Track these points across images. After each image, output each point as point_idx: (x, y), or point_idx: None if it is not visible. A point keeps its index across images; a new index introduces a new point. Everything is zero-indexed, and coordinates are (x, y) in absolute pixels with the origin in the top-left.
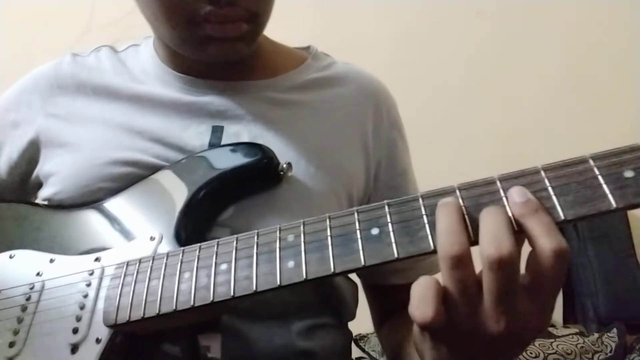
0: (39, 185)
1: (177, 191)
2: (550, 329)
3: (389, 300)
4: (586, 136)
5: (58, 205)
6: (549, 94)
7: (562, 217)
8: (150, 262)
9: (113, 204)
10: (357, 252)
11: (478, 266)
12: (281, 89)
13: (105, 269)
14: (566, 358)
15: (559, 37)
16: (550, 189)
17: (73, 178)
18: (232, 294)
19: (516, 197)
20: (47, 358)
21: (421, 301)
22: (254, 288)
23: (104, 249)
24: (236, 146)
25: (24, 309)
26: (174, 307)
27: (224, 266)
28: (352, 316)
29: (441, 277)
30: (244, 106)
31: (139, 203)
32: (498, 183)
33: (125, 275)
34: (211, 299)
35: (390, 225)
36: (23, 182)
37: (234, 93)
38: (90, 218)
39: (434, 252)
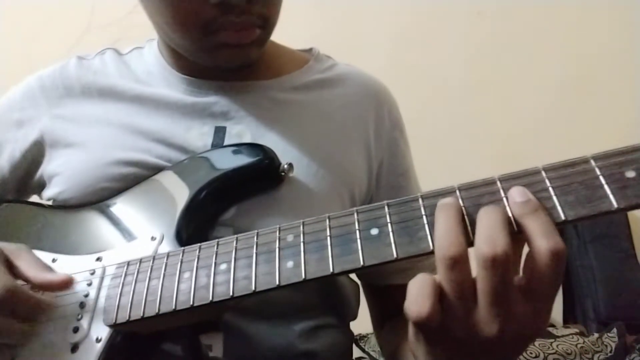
0: (42, 185)
1: (178, 191)
2: (550, 329)
3: (388, 301)
4: (586, 136)
5: (61, 205)
6: (549, 94)
7: (563, 217)
8: (151, 261)
9: (115, 204)
10: (356, 252)
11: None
12: (284, 90)
13: (106, 268)
14: (566, 358)
15: (559, 37)
16: (551, 189)
17: (77, 178)
18: (231, 293)
19: (517, 197)
20: (47, 357)
21: (417, 297)
22: (253, 288)
23: (105, 248)
24: (238, 147)
25: None
26: (173, 307)
27: (223, 266)
28: (354, 316)
29: (438, 278)
30: (246, 107)
31: (140, 203)
32: (498, 183)
33: (126, 274)
34: (210, 298)
35: (389, 225)
36: (24, 182)
37: (237, 93)
38: (93, 218)
39: (433, 252)
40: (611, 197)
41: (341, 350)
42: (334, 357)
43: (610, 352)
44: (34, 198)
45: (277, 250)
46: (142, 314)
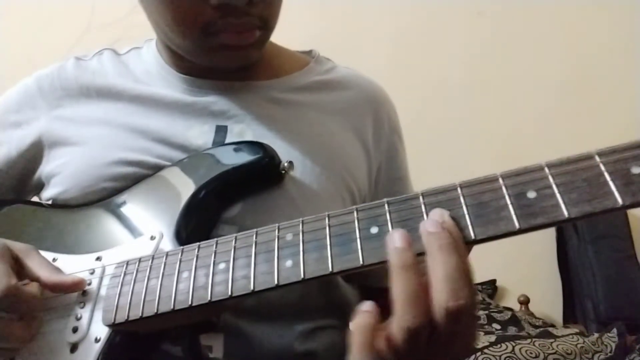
0: (40, 185)
1: (178, 190)
2: (550, 329)
3: (381, 303)
4: (586, 136)
5: (61, 205)
6: (549, 93)
7: (567, 215)
8: (150, 261)
9: (115, 204)
10: (355, 251)
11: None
12: (284, 90)
13: (105, 268)
14: (566, 358)
15: (559, 37)
16: (554, 186)
17: (77, 178)
18: (229, 293)
19: (428, 225)
20: (46, 357)
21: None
22: (252, 287)
23: (105, 248)
24: (238, 145)
25: None
26: (171, 307)
27: (222, 265)
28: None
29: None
30: (247, 106)
31: (140, 202)
32: (500, 180)
33: (125, 274)
34: (209, 298)
35: (389, 224)
36: (22, 182)
37: (237, 93)
38: (93, 217)
39: None
40: (616, 193)
41: (341, 351)
42: (333, 357)
43: (610, 352)
44: (34, 198)
45: (276, 249)
46: (140, 314)
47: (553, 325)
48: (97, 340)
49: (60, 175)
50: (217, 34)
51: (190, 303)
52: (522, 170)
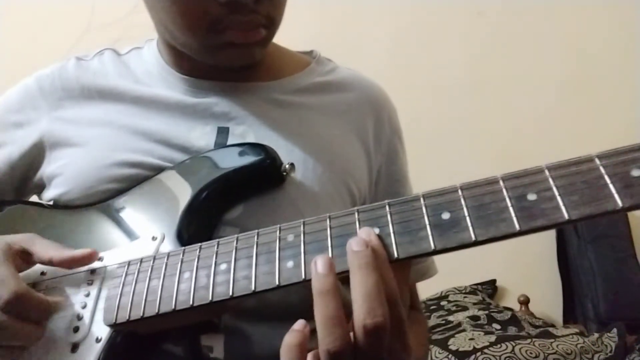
0: (41, 186)
1: (180, 191)
2: (550, 329)
3: None
4: (586, 136)
5: (63, 206)
6: (549, 93)
7: (567, 217)
8: (152, 261)
9: (117, 205)
10: None
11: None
12: (286, 91)
13: (107, 268)
14: (566, 358)
15: (559, 37)
16: (554, 188)
17: (79, 179)
18: (230, 293)
19: (353, 244)
20: (47, 356)
21: None
22: (253, 288)
23: (107, 248)
24: (240, 146)
25: None
26: (173, 307)
27: (223, 266)
28: None
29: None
30: (248, 107)
31: (142, 203)
32: (501, 182)
33: (126, 274)
34: (210, 298)
35: (391, 225)
36: (23, 183)
37: (239, 94)
38: (95, 218)
39: (435, 252)
40: (616, 196)
41: None
42: None
43: (610, 352)
44: (34, 198)
45: (277, 250)
46: (142, 314)
47: (553, 325)
48: (98, 340)
49: (61, 177)
50: (224, 31)
51: (191, 303)
52: (523, 172)
